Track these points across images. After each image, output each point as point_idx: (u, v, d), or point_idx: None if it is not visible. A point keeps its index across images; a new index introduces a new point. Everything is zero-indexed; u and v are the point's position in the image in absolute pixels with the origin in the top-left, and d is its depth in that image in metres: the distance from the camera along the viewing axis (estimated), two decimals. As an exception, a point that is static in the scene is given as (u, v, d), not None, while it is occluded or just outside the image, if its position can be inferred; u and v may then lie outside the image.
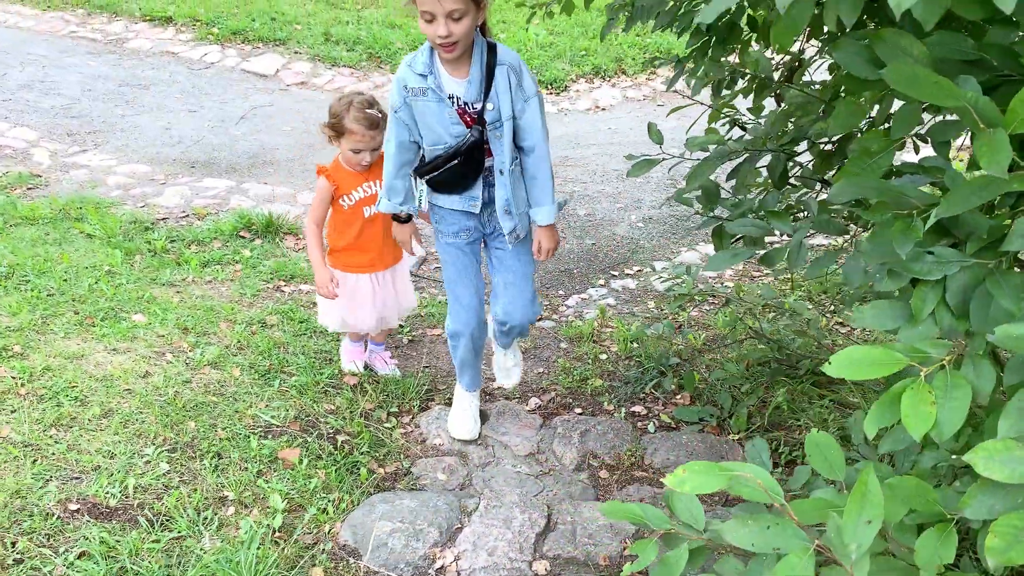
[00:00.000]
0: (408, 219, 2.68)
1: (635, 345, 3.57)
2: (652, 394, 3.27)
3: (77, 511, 2.24)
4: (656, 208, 4.97)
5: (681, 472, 1.11)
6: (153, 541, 2.15)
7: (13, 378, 2.78)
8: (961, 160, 4.15)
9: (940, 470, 1.47)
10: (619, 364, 3.48)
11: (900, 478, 1.19)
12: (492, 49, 2.36)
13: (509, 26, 7.58)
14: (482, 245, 2.75)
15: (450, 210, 2.62)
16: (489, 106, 2.38)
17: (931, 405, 1.04)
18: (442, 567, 2.25)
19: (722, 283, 4.21)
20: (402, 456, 2.82)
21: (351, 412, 2.97)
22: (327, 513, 2.40)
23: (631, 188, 5.23)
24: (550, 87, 6.66)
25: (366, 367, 3.26)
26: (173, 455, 2.55)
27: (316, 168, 2.95)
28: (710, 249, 4.54)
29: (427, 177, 2.53)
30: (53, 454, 2.45)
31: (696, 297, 3.68)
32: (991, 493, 0.98)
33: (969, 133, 1.08)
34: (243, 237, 4.40)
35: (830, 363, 1.10)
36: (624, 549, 2.34)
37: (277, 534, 2.27)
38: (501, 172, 2.49)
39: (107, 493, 2.32)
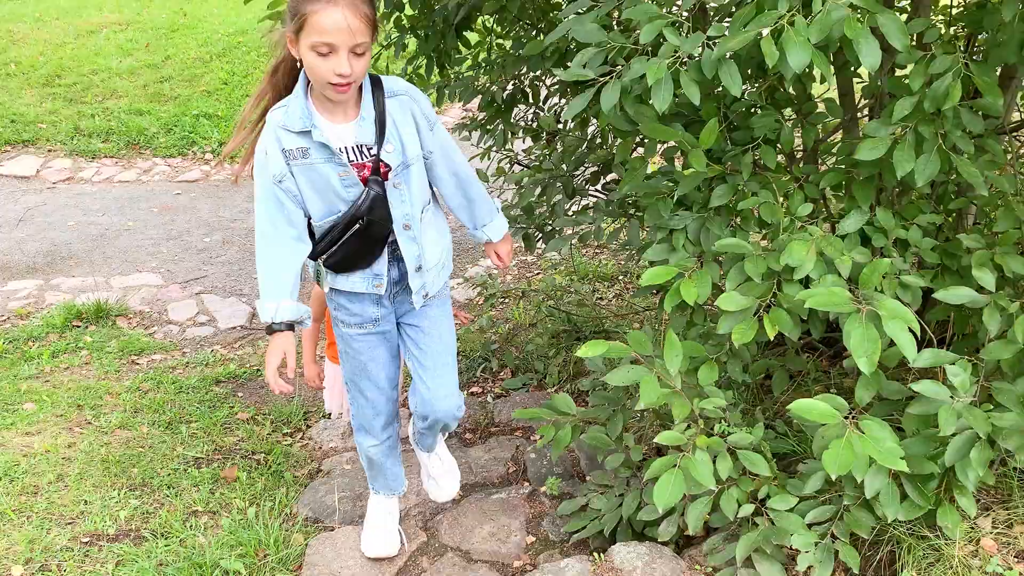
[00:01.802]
0: (291, 328, 2.16)
1: (458, 343, 4.50)
2: (483, 376, 4.22)
3: (89, 541, 2.75)
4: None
5: (585, 347, 2.07)
6: (165, 545, 2.74)
7: (-43, 471, 3.13)
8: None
9: (701, 338, 2.56)
10: (450, 360, 4.40)
11: (683, 342, 2.24)
12: (377, 81, 2.06)
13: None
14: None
15: (349, 294, 2.25)
16: (388, 147, 2.06)
17: (694, 288, 2.09)
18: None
19: (506, 284, 5.28)
20: (310, 460, 3.52)
21: (256, 438, 3.62)
22: (282, 502, 3.08)
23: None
24: (310, 150, 7.45)
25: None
26: (135, 493, 3.08)
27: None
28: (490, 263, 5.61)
29: (323, 256, 2.16)
30: (38, 512, 2.90)
31: (500, 296, 4.70)
32: (729, 318, 2.04)
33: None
34: (77, 326, 4.76)
35: (641, 277, 2.11)
36: (508, 470, 3.26)
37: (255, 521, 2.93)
38: (407, 227, 2.16)
39: (104, 525, 2.83)
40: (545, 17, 2.94)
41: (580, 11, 1.91)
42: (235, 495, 3.11)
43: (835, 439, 1.79)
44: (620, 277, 5.15)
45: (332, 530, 2.84)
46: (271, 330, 2.14)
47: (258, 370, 4.34)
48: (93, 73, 8.58)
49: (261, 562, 2.62)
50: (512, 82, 3.07)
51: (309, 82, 2.01)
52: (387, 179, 2.11)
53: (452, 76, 3.36)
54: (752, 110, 2.28)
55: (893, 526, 2.03)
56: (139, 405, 3.82)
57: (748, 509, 2.13)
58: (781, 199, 2.18)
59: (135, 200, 6.58)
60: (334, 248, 2.15)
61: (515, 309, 4.78)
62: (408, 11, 3.35)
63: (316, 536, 2.75)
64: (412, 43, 3.81)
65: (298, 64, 1.99)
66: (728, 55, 1.76)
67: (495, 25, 3.54)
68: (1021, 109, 2.82)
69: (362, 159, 2.09)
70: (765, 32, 1.72)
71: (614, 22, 2.09)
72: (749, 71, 2.26)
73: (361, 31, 1.89)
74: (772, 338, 1.97)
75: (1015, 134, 2.65)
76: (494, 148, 3.36)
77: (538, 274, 5.35)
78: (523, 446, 3.37)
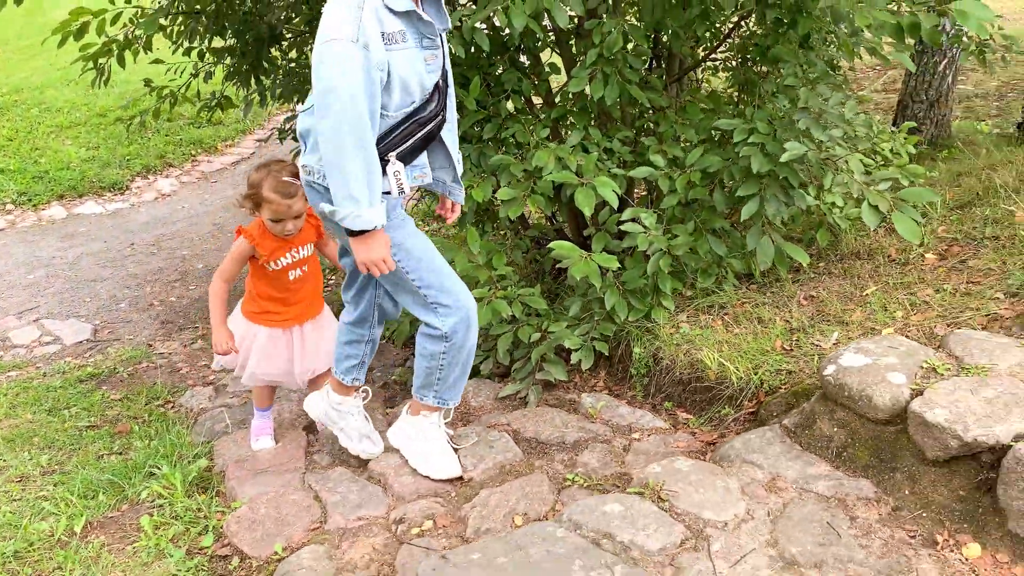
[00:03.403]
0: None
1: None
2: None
3: (20, 480, 3.29)
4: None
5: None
6: (90, 473, 3.33)
7: None
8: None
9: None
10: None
11: (481, 241, 3.22)
12: None
13: (44, 151, 8.46)
14: None
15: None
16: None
17: (481, 192, 3.08)
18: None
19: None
20: (187, 418, 4.17)
21: (134, 409, 4.21)
22: (179, 435, 3.73)
23: (229, 241, 6.84)
24: (113, 189, 7.84)
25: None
26: (44, 452, 3.61)
27: (236, 229, 2.80)
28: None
29: (400, 150, 2.06)
30: (-36, 469, 3.39)
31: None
32: (505, 205, 3.05)
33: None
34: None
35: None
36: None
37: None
38: (447, 120, 2.22)
39: (28, 470, 3.36)
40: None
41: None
42: (134, 439, 3.72)
43: (577, 261, 2.84)
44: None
45: (229, 438, 3.55)
46: (358, 233, 2.01)
47: (115, 368, 4.86)
48: None
49: (180, 459, 3.29)
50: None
51: None
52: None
53: (267, 83, 4.19)
54: (501, 73, 3.33)
55: (626, 326, 3.11)
56: (15, 403, 4.27)
57: (536, 336, 3.14)
58: (530, 129, 3.23)
59: (-58, 252, 6.72)
60: (413, 140, 2.08)
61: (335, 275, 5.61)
62: (217, 42, 4.16)
63: (218, 439, 3.45)
64: (219, 71, 4.61)
65: None
66: (480, 26, 2.78)
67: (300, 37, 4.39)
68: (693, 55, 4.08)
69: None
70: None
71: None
72: (499, 51, 3.30)
73: None
74: (533, 212, 3.00)
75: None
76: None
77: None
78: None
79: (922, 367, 2.12)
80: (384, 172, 2.06)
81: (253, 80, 4.26)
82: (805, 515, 1.94)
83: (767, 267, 3.06)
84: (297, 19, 4.36)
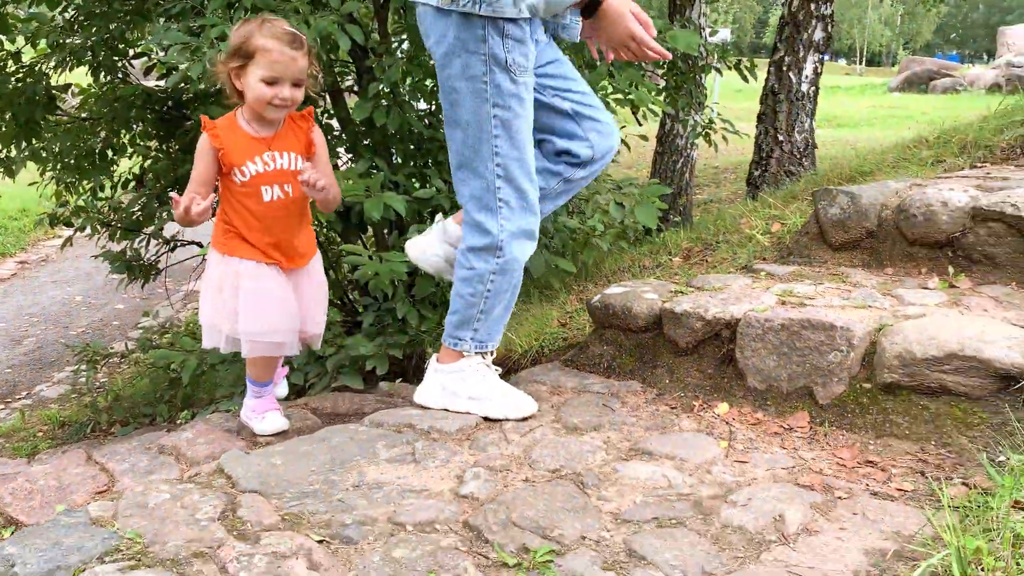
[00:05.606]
0: None
1: (67, 411, 4.92)
2: (94, 435, 4.72)
3: None
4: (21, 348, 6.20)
5: (204, 248, 3.04)
6: None
7: None
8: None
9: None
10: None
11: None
12: None
13: None
14: None
15: (523, 26, 1.87)
16: None
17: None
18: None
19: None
20: None
21: None
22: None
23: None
24: None
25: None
26: None
27: (202, 121, 2.14)
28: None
29: None
30: None
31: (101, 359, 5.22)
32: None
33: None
34: None
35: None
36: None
37: None
38: None
39: None
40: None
41: (165, 29, 3.06)
42: None
43: (367, 263, 3.01)
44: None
45: None
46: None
47: None
48: None
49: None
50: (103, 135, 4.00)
51: None
52: None
53: (40, 145, 4.15)
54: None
55: (420, 335, 3.27)
56: None
57: (331, 350, 3.21)
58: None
59: None
60: None
61: (118, 375, 5.33)
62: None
63: None
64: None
65: None
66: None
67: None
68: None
69: None
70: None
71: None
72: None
73: None
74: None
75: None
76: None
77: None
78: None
79: (670, 291, 2.46)
80: None
81: (24, 142, 4.19)
82: (583, 402, 2.15)
83: (540, 275, 3.37)
84: (77, 96, 4.40)
